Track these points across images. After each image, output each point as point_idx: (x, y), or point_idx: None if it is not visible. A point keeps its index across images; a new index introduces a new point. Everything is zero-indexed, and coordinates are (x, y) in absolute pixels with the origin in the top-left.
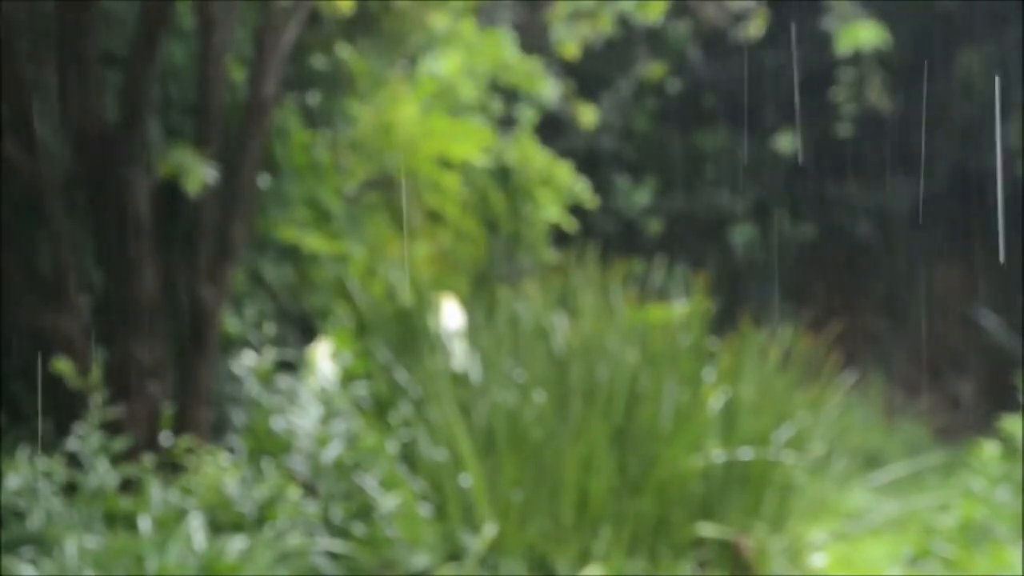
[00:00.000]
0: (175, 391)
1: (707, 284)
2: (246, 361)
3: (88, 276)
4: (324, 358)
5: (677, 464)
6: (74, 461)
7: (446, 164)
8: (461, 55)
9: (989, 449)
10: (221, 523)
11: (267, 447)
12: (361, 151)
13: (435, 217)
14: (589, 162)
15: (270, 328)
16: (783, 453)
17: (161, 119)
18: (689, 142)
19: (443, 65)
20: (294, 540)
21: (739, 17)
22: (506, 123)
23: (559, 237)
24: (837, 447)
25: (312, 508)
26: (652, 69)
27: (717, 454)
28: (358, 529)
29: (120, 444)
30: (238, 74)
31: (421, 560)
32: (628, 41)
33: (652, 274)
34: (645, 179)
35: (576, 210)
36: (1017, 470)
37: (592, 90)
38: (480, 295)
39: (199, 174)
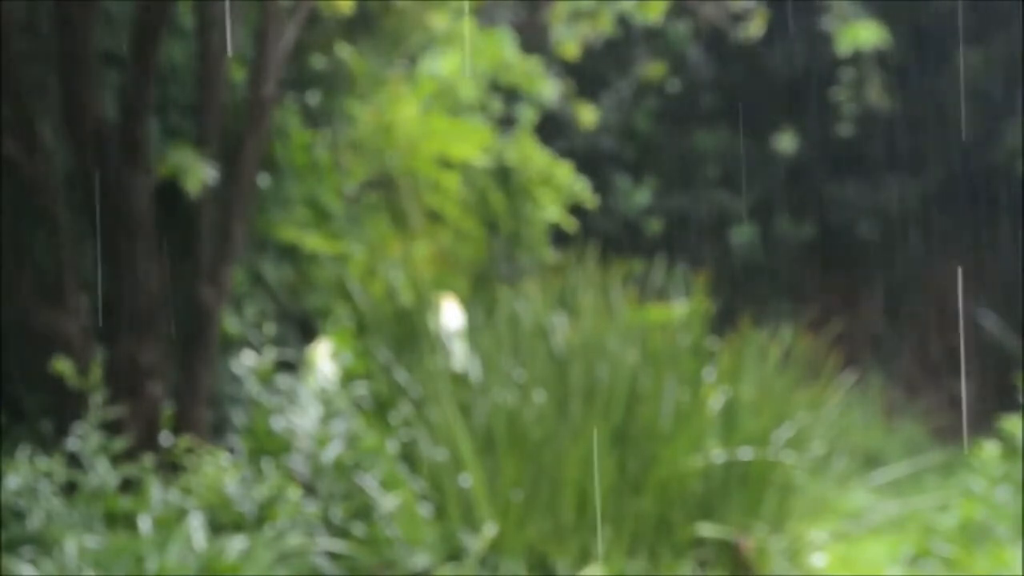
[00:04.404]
0: (175, 391)
1: (707, 284)
2: (246, 361)
3: (88, 276)
4: (324, 358)
5: (677, 464)
6: (74, 461)
7: (446, 164)
8: (461, 55)
9: (989, 449)
10: (221, 523)
11: (267, 447)
12: (361, 151)
13: (435, 217)
14: (589, 162)
15: (270, 328)
16: (783, 453)
17: (161, 119)
18: (689, 142)
19: (443, 65)
20: (294, 540)
21: (739, 17)
22: (506, 123)
23: (559, 237)
24: (837, 447)
25: (312, 508)
26: (652, 69)
27: (717, 454)
28: (358, 529)
29: (120, 444)
30: (238, 74)
31: (421, 560)
32: (628, 41)
33: (652, 274)
34: (645, 179)
35: (576, 210)
36: (1017, 470)
37: (592, 90)
38: (480, 295)
39: (199, 174)
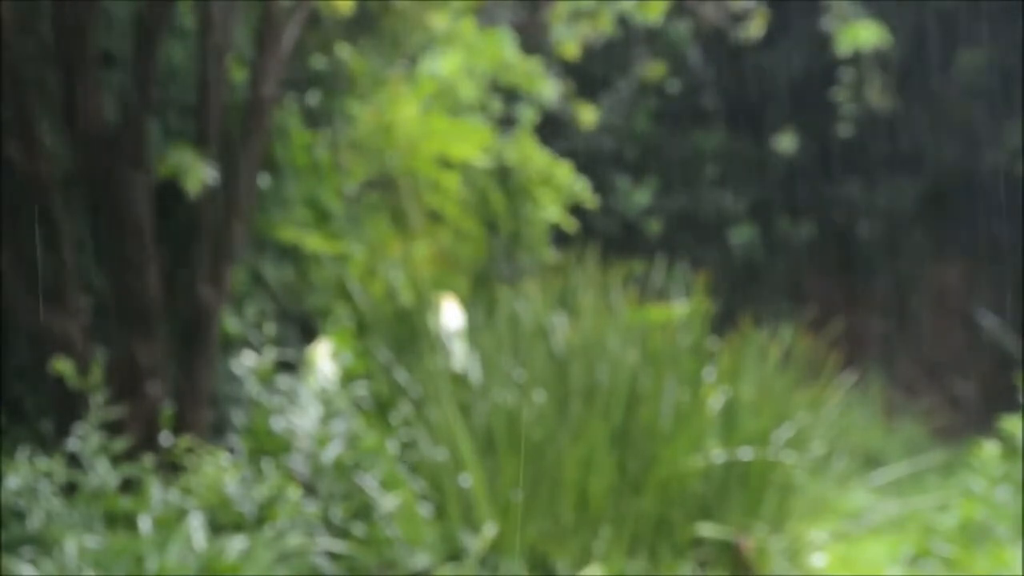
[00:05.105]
0: (175, 391)
1: (707, 284)
2: (246, 361)
3: (88, 276)
4: (324, 358)
5: (677, 464)
6: (74, 461)
7: (446, 164)
8: (461, 55)
9: (989, 449)
10: (221, 523)
11: (267, 447)
12: (361, 151)
13: (435, 217)
14: (589, 162)
15: (270, 328)
16: (783, 453)
17: (161, 119)
18: (689, 142)
19: (443, 65)
20: (294, 540)
21: (739, 17)
22: (506, 123)
23: (559, 237)
24: (837, 447)
25: (312, 508)
26: (652, 69)
27: (717, 454)
28: (358, 529)
29: (120, 444)
30: (238, 74)
31: (421, 560)
32: (628, 41)
33: (652, 274)
34: (645, 179)
35: (576, 210)
36: (1017, 470)
37: (592, 90)
38: (480, 295)
39: (199, 174)
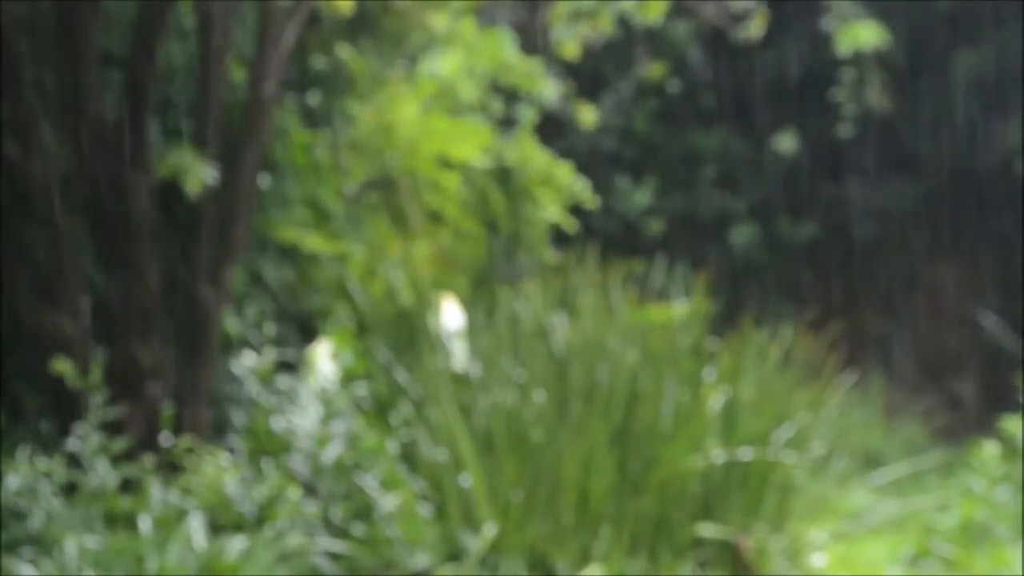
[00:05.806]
0: (175, 391)
1: (707, 284)
2: (246, 361)
3: (88, 276)
4: (324, 358)
5: (677, 464)
6: (74, 461)
7: (446, 164)
8: (461, 55)
9: (989, 449)
10: (221, 523)
11: (267, 447)
12: (361, 151)
13: (435, 217)
14: (589, 162)
15: (270, 328)
16: (783, 453)
17: (161, 119)
18: (689, 142)
19: (443, 65)
20: (294, 540)
21: (739, 17)
22: (506, 123)
23: (559, 237)
24: (837, 447)
25: (312, 508)
26: (652, 69)
27: (717, 454)
28: (358, 529)
29: (120, 444)
30: (238, 74)
31: (421, 560)
32: (628, 41)
33: (652, 274)
34: (645, 179)
35: (576, 210)
36: (1017, 470)
37: (592, 90)
38: (480, 295)
39: (199, 174)
